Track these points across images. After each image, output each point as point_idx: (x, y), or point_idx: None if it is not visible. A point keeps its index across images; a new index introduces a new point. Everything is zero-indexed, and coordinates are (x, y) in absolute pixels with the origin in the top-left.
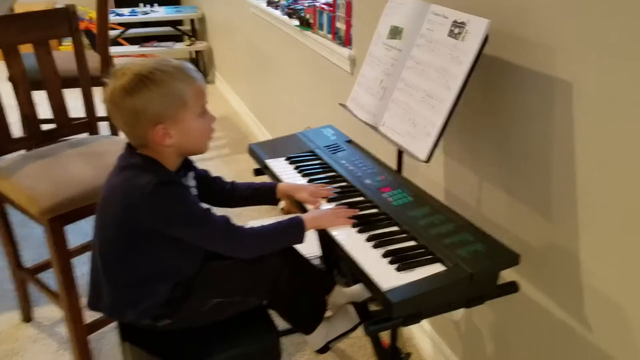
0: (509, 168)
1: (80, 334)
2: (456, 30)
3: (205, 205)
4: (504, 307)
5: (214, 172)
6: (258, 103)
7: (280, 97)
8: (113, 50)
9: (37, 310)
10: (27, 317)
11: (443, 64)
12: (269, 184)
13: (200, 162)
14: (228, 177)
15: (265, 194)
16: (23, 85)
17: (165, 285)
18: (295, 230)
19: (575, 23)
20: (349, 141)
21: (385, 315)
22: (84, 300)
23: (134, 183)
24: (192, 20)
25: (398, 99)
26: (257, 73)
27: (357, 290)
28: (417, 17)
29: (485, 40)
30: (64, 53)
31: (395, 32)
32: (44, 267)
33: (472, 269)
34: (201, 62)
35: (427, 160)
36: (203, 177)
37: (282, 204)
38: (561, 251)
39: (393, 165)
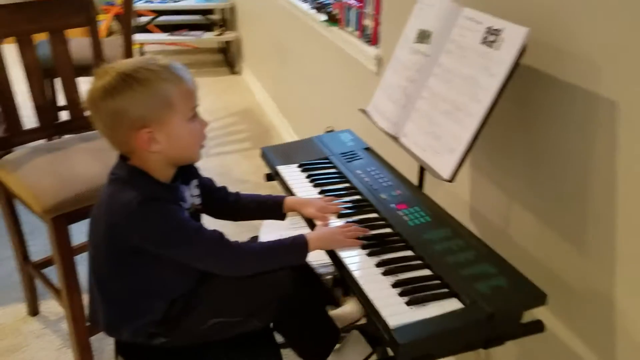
0: (541, 190)
1: (82, 334)
2: (490, 38)
3: (198, 222)
4: (529, 340)
5: (234, 166)
6: (282, 97)
7: (305, 93)
8: (142, 37)
9: (44, 304)
10: (33, 311)
11: (473, 73)
12: (275, 198)
13: (219, 156)
14: (247, 173)
15: (271, 209)
16: (36, 75)
17: (161, 302)
18: (297, 250)
19: (625, 38)
20: (367, 149)
21: (391, 355)
22: (86, 299)
23: (117, 200)
24: (222, 10)
25: (422, 108)
26: (283, 66)
27: (349, 311)
28: (447, 21)
29: (523, 51)
30: (83, 40)
31: (423, 36)
32: (49, 262)
33: (492, 308)
34: (230, 53)
35: (451, 180)
36: (207, 186)
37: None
38: (594, 287)
39: (413, 177)
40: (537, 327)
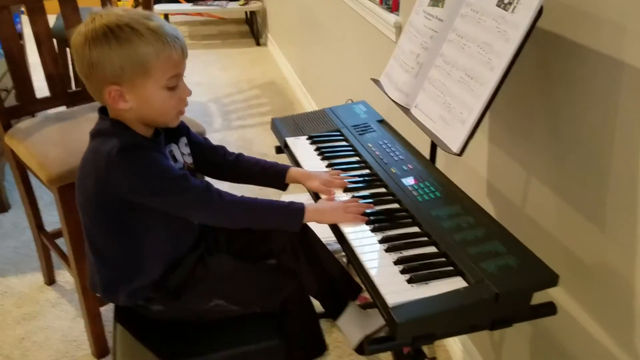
0: (561, 165)
1: (91, 304)
2: (507, 0)
3: (183, 171)
4: (545, 321)
5: (255, 139)
6: (306, 69)
7: (328, 65)
8: (166, 7)
9: (60, 273)
10: (50, 280)
11: (487, 38)
12: (279, 166)
13: (240, 129)
14: (268, 146)
15: (273, 177)
16: (47, 44)
17: (157, 264)
18: (292, 215)
19: None
20: (381, 121)
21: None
22: None
23: (100, 150)
24: None
25: (434, 77)
26: (308, 38)
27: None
28: None
29: (539, 14)
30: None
31: None
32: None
33: (498, 289)
34: (255, 24)
35: (460, 153)
36: (199, 144)
37: None
38: (613, 269)
39: (426, 151)
40: (548, 309)
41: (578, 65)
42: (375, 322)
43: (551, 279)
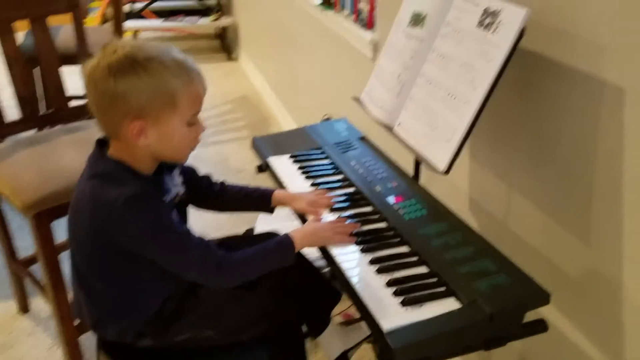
0: (544, 180)
1: (70, 332)
2: (487, 20)
3: (185, 227)
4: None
5: (231, 155)
6: (281, 84)
7: (303, 80)
8: (137, 24)
9: (34, 301)
10: (24, 308)
11: (469, 58)
12: (264, 191)
13: (216, 145)
14: (244, 162)
15: (259, 202)
16: (18, 65)
17: (150, 301)
18: (284, 252)
19: (632, 18)
20: (363, 138)
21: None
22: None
23: (102, 196)
24: None
25: (416, 96)
26: (281, 53)
27: (356, 331)
28: (442, 3)
29: (522, 34)
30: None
31: (417, 20)
32: (36, 259)
33: (492, 308)
34: (226, 39)
35: (447, 172)
36: (190, 173)
37: None
38: (601, 283)
39: (410, 168)
40: (540, 326)
41: (558, 83)
42: (356, 336)
43: (543, 298)
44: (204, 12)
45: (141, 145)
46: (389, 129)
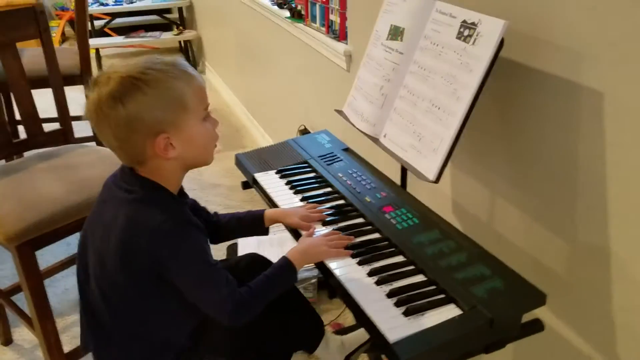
0: (527, 185)
1: None
2: (466, 32)
3: (215, 260)
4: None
5: (204, 169)
6: (251, 96)
7: (274, 92)
8: (99, 42)
9: (18, 332)
10: (7, 340)
11: (450, 70)
12: (254, 213)
13: None
14: (218, 176)
15: (252, 226)
16: None
17: (173, 339)
18: (288, 277)
19: (607, 24)
20: (346, 149)
21: None
22: (60, 323)
23: (140, 221)
24: (180, 9)
25: (400, 108)
26: (250, 65)
27: (352, 339)
28: (420, 16)
29: (501, 44)
30: (37, 51)
31: (395, 33)
32: (19, 288)
33: (492, 313)
34: (190, 52)
35: (436, 181)
36: (192, 205)
37: None
38: (589, 280)
39: (395, 177)
40: (536, 326)
41: (537, 89)
42: (353, 342)
43: (540, 298)
44: (165, 26)
45: (171, 157)
46: (375, 140)
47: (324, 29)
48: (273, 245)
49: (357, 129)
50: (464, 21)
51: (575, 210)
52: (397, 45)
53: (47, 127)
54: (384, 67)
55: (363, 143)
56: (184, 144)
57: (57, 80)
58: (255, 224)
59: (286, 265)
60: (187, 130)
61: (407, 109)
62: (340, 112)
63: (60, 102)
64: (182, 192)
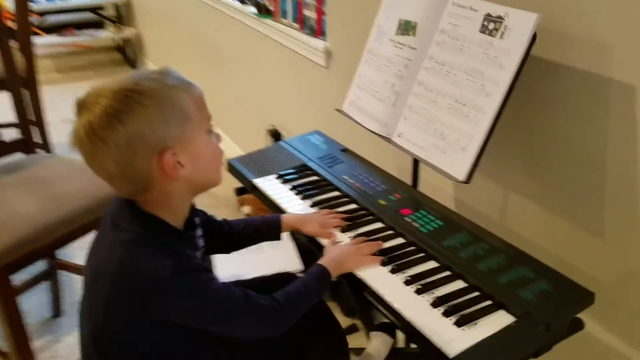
0: (547, 182)
1: None
2: (491, 26)
3: (228, 287)
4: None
5: None
6: (209, 98)
7: (238, 93)
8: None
9: None
10: None
11: (475, 65)
12: (270, 219)
13: None
14: None
15: (269, 232)
16: None
17: None
18: (324, 284)
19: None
20: (344, 150)
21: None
22: (36, 345)
23: (141, 264)
24: (117, 6)
25: (416, 105)
26: (206, 66)
27: (377, 349)
28: (434, 10)
29: (533, 39)
30: None
31: (406, 28)
32: None
33: (547, 317)
34: (129, 50)
35: (467, 181)
36: (205, 220)
37: (247, 209)
38: (615, 275)
39: (400, 176)
40: (578, 325)
41: (562, 86)
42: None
43: (588, 297)
44: (98, 24)
45: (181, 178)
46: (387, 139)
47: (297, 25)
48: (252, 251)
49: (367, 129)
50: (488, 14)
51: (604, 206)
52: (410, 40)
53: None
54: (394, 63)
55: (355, 142)
56: (193, 162)
57: (15, 83)
58: (272, 232)
59: (323, 274)
60: (194, 145)
61: (425, 107)
62: (341, 111)
63: (20, 107)
64: (192, 209)
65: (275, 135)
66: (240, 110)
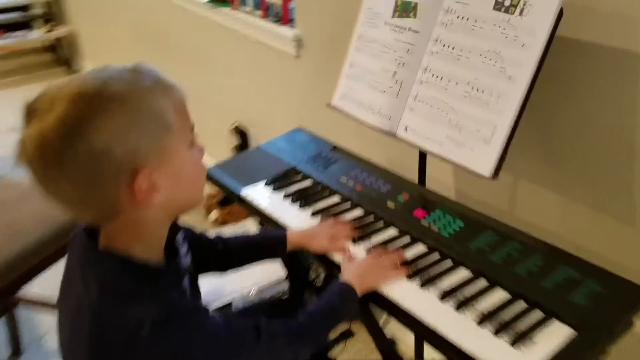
0: (563, 165)
1: None
2: (507, 2)
3: (231, 320)
4: None
5: None
6: None
7: (195, 90)
8: None
9: None
10: None
11: (492, 46)
12: (274, 235)
13: None
14: None
15: (272, 250)
16: None
17: None
18: (350, 302)
19: None
20: (335, 148)
21: None
22: None
23: (114, 318)
24: (48, 3)
25: (423, 94)
26: (155, 63)
27: None
28: None
29: (560, 15)
30: None
31: (405, 9)
32: None
33: (608, 323)
34: (61, 50)
35: (494, 177)
36: (191, 237)
37: (215, 214)
38: None
39: (401, 172)
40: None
41: (588, 62)
42: None
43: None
44: (25, 24)
45: (156, 203)
46: (392, 134)
47: (259, 12)
48: None
49: (368, 124)
50: None
51: (634, 191)
52: (411, 22)
53: None
54: (394, 49)
55: (334, 136)
56: (172, 181)
57: None
58: (277, 249)
59: (348, 291)
60: (174, 159)
61: (435, 95)
62: (333, 107)
63: None
64: (174, 224)
65: (241, 133)
66: (199, 109)
